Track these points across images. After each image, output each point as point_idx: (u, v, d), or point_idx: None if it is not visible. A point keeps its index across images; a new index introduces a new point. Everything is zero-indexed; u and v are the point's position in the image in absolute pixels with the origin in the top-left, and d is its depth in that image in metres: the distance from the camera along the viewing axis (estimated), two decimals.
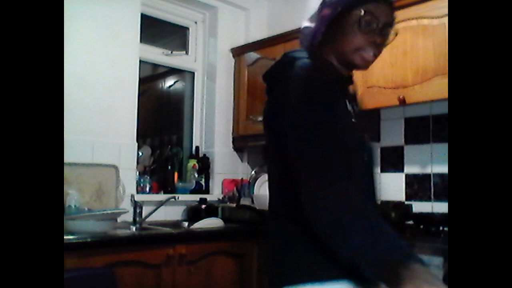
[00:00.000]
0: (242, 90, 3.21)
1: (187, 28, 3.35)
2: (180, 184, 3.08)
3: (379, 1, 1.17)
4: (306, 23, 1.23)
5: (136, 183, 2.82)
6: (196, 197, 2.97)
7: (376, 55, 1.19)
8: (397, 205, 2.49)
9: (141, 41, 2.86)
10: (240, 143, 3.25)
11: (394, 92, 2.34)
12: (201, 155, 3.20)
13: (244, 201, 2.98)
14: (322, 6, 1.19)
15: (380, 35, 1.17)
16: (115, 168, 2.64)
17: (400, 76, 2.33)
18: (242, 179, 3.18)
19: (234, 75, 3.29)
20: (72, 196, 2.35)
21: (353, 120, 1.20)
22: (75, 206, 2.33)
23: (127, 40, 2.78)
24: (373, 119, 1.39)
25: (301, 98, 1.09)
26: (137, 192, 2.80)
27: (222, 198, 3.11)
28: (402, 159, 2.67)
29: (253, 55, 3.16)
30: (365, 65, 1.20)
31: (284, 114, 1.09)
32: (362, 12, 1.15)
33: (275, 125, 1.16)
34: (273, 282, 1.15)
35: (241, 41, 3.31)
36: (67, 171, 2.35)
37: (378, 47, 1.18)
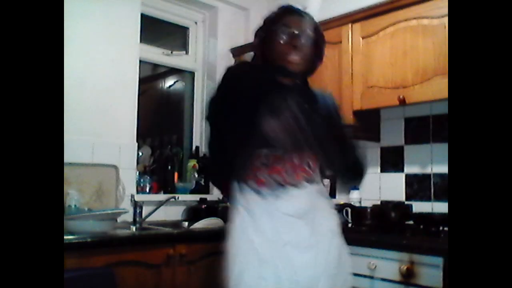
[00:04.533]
0: None
1: (187, 28, 3.35)
2: (180, 184, 3.08)
3: (292, 14, 1.45)
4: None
5: (136, 183, 2.82)
6: (196, 197, 2.98)
7: (301, 58, 1.40)
8: (397, 205, 2.49)
9: (141, 41, 2.86)
10: None
11: (394, 92, 2.34)
12: (201, 155, 3.20)
13: None
14: (255, 35, 1.50)
15: (296, 39, 1.40)
16: (115, 168, 2.64)
17: (400, 76, 2.33)
18: None
19: None
20: (72, 196, 2.35)
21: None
22: (75, 206, 2.33)
23: (127, 40, 2.77)
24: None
25: None
26: (137, 192, 2.80)
27: (222, 198, 3.11)
28: (402, 159, 2.67)
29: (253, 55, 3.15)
30: (294, 67, 1.40)
31: None
32: (279, 25, 1.42)
33: None
34: None
35: (241, 41, 3.31)
36: (67, 171, 2.35)
37: (299, 50, 1.39)
